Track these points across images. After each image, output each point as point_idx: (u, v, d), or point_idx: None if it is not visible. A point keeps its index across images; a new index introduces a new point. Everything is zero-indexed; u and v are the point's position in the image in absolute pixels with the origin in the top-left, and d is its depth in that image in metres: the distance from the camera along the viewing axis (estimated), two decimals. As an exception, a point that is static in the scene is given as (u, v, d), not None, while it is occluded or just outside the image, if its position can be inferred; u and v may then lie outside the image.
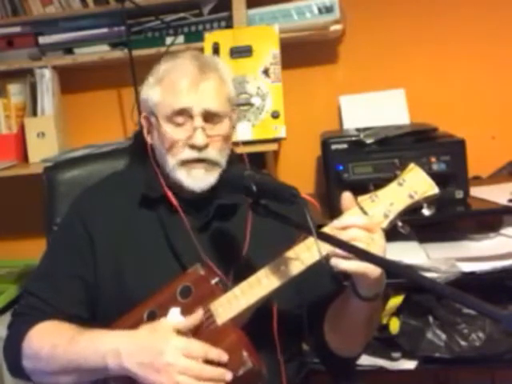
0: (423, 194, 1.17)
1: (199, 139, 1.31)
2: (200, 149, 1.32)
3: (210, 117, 1.33)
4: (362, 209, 1.16)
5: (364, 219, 1.15)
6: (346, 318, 1.27)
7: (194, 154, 1.33)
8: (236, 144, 1.48)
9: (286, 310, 1.30)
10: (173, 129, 1.34)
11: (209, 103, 1.33)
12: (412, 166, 1.20)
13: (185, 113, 1.33)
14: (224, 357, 1.17)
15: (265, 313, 1.27)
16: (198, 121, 1.32)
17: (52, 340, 1.28)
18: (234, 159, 1.42)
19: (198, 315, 1.21)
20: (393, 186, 1.19)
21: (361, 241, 1.12)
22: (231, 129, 1.40)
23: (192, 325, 1.20)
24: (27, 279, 1.64)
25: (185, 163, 1.34)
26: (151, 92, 1.37)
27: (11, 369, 1.37)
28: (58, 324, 1.31)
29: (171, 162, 1.35)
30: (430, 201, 1.18)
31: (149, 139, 1.42)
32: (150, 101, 1.38)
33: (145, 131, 1.43)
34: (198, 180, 1.34)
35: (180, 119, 1.33)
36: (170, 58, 1.41)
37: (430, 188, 1.18)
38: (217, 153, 1.34)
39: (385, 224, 1.16)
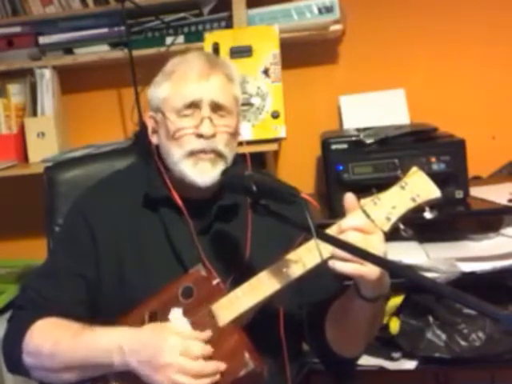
0: (425, 198, 1.17)
1: (206, 128, 1.32)
2: (207, 138, 1.32)
3: (217, 109, 1.34)
4: (364, 212, 1.16)
5: (359, 221, 1.16)
6: (349, 318, 1.27)
7: (201, 144, 1.33)
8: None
9: (287, 311, 1.30)
10: (180, 119, 1.35)
11: (217, 95, 1.34)
12: (415, 169, 1.21)
13: (193, 105, 1.34)
14: (222, 366, 1.18)
15: (269, 314, 1.27)
16: (206, 111, 1.33)
17: (54, 336, 1.28)
18: (237, 159, 1.42)
19: (205, 334, 1.21)
20: (395, 189, 1.19)
21: (354, 242, 1.12)
22: (238, 127, 1.40)
23: (197, 339, 1.20)
24: (29, 274, 1.65)
25: (192, 154, 1.33)
26: (159, 89, 1.38)
27: (10, 364, 1.37)
28: (59, 321, 1.31)
29: (177, 153, 1.34)
30: (432, 204, 1.19)
31: (154, 139, 1.42)
32: (157, 98, 1.38)
33: (150, 132, 1.43)
34: (204, 173, 1.33)
35: (188, 111, 1.34)
36: (178, 55, 1.42)
37: (433, 192, 1.18)
38: (224, 145, 1.34)
39: (386, 227, 1.16)
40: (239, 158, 1.43)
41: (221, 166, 1.34)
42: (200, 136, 1.32)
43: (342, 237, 1.14)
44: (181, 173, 1.35)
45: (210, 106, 1.34)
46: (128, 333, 1.23)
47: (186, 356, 1.17)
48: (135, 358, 1.19)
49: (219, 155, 1.34)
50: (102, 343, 1.23)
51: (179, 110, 1.34)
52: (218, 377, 1.17)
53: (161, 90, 1.38)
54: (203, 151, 1.33)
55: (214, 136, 1.33)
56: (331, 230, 1.17)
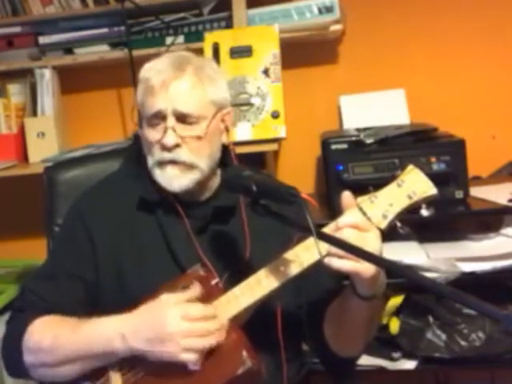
0: (422, 195, 1.18)
1: (167, 139, 1.31)
2: (170, 149, 1.32)
3: (182, 117, 1.33)
4: (361, 210, 1.17)
5: (355, 218, 1.16)
6: (347, 318, 1.27)
7: (165, 155, 1.33)
8: (236, 144, 1.48)
9: (286, 310, 1.31)
10: (150, 130, 1.35)
11: (179, 104, 1.32)
12: (411, 167, 1.21)
13: (159, 114, 1.33)
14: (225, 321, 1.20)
15: (267, 313, 1.27)
16: (170, 121, 1.32)
17: (53, 331, 1.28)
18: (226, 159, 1.42)
19: (195, 290, 1.22)
20: (392, 186, 1.19)
21: (350, 239, 1.12)
22: (214, 130, 1.36)
23: (190, 299, 1.22)
24: (28, 276, 1.65)
25: (160, 164, 1.34)
26: (138, 92, 1.39)
27: (10, 366, 1.37)
28: (58, 317, 1.31)
29: (150, 161, 1.36)
30: (429, 201, 1.19)
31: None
32: (138, 101, 1.39)
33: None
34: (171, 179, 1.34)
35: (156, 120, 1.34)
36: (154, 57, 1.40)
37: (429, 189, 1.18)
38: (190, 154, 1.33)
39: (383, 225, 1.17)
40: (228, 158, 1.43)
41: (193, 175, 1.34)
42: (163, 147, 1.32)
43: (338, 234, 1.14)
44: (155, 179, 1.36)
45: (175, 116, 1.32)
46: (125, 317, 1.23)
47: (187, 320, 1.18)
48: (139, 339, 1.19)
49: (189, 166, 1.33)
50: (101, 332, 1.23)
51: (148, 119, 1.35)
52: (224, 332, 1.18)
53: (138, 95, 1.38)
54: (171, 162, 1.33)
55: (178, 146, 1.32)
56: (328, 228, 1.18)
